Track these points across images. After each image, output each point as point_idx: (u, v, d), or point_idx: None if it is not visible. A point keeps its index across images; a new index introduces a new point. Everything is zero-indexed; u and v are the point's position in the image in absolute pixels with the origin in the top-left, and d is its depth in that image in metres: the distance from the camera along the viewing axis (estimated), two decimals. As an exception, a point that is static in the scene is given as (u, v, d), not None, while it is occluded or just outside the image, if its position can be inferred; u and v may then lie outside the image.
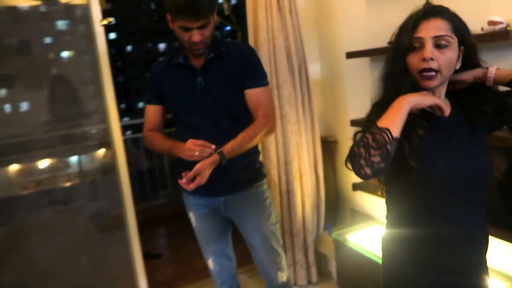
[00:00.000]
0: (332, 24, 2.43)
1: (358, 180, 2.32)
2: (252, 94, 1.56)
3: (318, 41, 2.57)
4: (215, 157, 1.45)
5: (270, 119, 1.57)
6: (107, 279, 2.44)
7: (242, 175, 1.61)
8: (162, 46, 36.45)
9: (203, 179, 1.42)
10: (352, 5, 2.27)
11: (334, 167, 2.68)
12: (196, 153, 1.43)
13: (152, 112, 1.65)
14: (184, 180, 1.42)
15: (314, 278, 2.53)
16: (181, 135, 1.58)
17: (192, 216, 1.70)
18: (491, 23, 1.47)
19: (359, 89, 2.35)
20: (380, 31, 2.10)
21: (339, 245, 2.26)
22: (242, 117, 1.60)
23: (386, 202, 1.15)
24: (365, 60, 2.25)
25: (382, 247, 1.16)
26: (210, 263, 1.73)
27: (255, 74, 1.56)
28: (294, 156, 2.40)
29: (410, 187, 1.02)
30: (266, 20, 2.28)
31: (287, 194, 2.46)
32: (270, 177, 2.40)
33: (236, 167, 1.56)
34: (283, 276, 1.70)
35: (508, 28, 1.49)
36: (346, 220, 2.65)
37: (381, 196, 2.14)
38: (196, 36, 1.41)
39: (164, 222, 4.02)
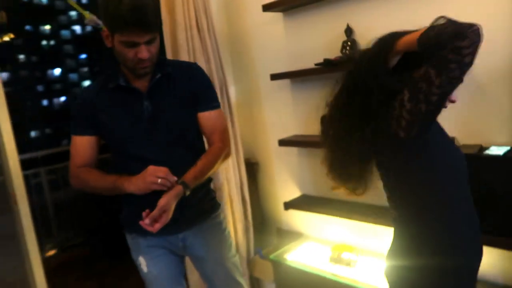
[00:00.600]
0: (249, 46, 2.47)
1: (289, 198, 2.35)
2: (207, 118, 1.45)
3: (233, 64, 2.58)
4: (179, 188, 1.29)
5: (226, 144, 1.49)
6: None
7: (200, 207, 1.47)
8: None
9: (169, 215, 1.25)
10: (270, 28, 2.34)
11: (258, 189, 2.67)
12: (159, 180, 1.25)
13: (84, 145, 1.39)
14: (147, 221, 1.23)
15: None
16: (125, 169, 1.35)
17: (142, 261, 1.47)
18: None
19: (280, 110, 2.42)
20: (299, 53, 2.24)
21: (278, 266, 2.23)
22: (197, 145, 1.48)
23: (415, 213, 1.10)
24: (285, 82, 2.33)
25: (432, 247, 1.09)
26: None
27: (208, 96, 1.46)
28: (224, 181, 2.32)
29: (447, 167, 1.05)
30: (186, 41, 2.19)
31: (219, 222, 2.35)
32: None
33: (193, 198, 1.40)
34: None
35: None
36: (273, 241, 2.65)
37: (315, 211, 2.21)
38: (144, 53, 1.25)
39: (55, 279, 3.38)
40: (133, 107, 1.36)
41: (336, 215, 2.10)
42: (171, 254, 1.49)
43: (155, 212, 1.24)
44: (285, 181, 2.48)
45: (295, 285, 2.15)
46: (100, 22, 2.47)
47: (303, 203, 2.29)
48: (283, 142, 2.25)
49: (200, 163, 1.38)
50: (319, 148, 2.20)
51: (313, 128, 2.26)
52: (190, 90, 1.41)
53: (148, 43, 1.26)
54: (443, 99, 0.94)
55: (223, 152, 1.46)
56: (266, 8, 2.15)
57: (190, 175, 1.34)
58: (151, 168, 1.27)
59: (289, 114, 2.37)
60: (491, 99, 1.60)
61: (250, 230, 2.50)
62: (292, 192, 2.43)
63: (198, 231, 1.48)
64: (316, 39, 2.14)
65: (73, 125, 1.41)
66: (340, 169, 1.22)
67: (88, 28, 29.46)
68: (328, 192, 2.28)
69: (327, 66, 1.94)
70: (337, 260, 2.05)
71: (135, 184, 1.28)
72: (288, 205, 2.29)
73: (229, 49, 2.54)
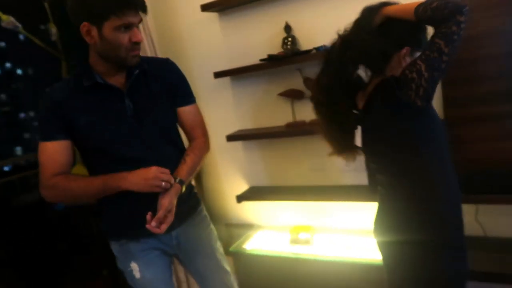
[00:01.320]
0: (185, 46, 2.48)
1: (238, 192, 2.42)
2: (188, 113, 1.46)
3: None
4: (178, 187, 1.30)
5: (207, 137, 1.52)
6: None
7: (187, 202, 1.47)
8: None
9: (173, 214, 1.25)
10: (206, 27, 2.39)
11: (203, 188, 2.69)
12: (163, 184, 1.23)
13: (57, 151, 1.28)
14: (153, 223, 1.21)
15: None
16: (109, 171, 1.29)
17: (135, 266, 1.40)
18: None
19: (221, 108, 2.48)
20: (237, 51, 2.34)
21: (238, 258, 2.29)
22: (178, 140, 1.48)
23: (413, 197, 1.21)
24: (226, 80, 2.40)
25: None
26: None
27: (186, 91, 1.47)
28: (176, 182, 2.30)
29: (439, 152, 1.19)
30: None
31: (174, 224, 2.31)
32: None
33: (184, 194, 1.39)
34: None
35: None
36: (223, 237, 2.69)
37: (269, 199, 2.33)
38: (139, 35, 1.23)
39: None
40: (113, 106, 1.30)
41: (290, 200, 2.26)
42: (163, 256, 1.46)
43: (161, 213, 1.22)
44: (232, 176, 2.56)
45: (257, 272, 2.24)
46: (18, 24, 2.26)
47: (255, 194, 2.39)
48: (231, 138, 2.32)
49: (190, 159, 1.39)
50: (266, 139, 2.38)
51: (256, 122, 2.39)
52: (168, 85, 1.41)
53: (137, 26, 1.24)
54: (448, 65, 1.10)
55: (207, 146, 1.49)
56: (205, 8, 2.20)
57: (183, 171, 1.35)
58: (154, 170, 1.24)
59: (231, 110, 2.45)
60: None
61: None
62: (240, 186, 2.52)
63: (189, 227, 1.48)
64: (255, 37, 2.27)
65: (42, 130, 1.29)
66: (331, 139, 1.35)
67: None
68: (275, 181, 2.44)
69: (272, 61, 2.08)
70: (295, 240, 2.21)
71: (131, 182, 1.23)
72: (241, 198, 2.37)
73: (165, 49, 2.51)
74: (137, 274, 1.41)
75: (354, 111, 1.32)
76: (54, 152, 1.28)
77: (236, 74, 2.27)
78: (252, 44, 2.28)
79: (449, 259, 1.24)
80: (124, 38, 1.21)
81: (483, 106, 1.70)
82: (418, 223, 1.23)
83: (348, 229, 2.23)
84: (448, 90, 1.75)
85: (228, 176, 2.58)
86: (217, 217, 2.73)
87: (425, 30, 1.22)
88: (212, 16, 2.35)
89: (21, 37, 2.92)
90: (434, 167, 1.20)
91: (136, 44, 1.25)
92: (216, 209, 2.71)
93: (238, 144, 2.46)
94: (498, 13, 1.62)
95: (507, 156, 1.70)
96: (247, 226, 2.55)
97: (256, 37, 2.26)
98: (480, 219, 1.83)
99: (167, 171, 1.27)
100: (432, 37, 1.10)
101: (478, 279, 1.65)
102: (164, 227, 1.24)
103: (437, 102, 1.80)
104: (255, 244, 2.32)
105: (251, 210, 2.54)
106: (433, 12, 1.06)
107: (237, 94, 2.42)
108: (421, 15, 1.09)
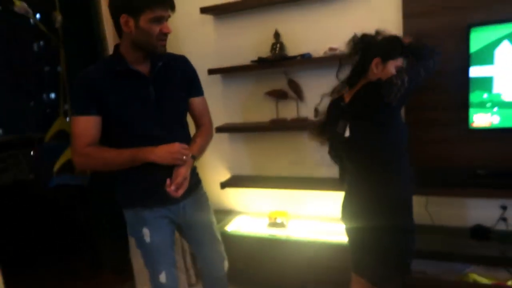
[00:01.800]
0: (179, 45, 2.70)
1: (224, 179, 2.67)
2: (198, 102, 1.71)
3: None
4: (192, 161, 1.56)
5: (212, 125, 1.78)
6: None
7: (193, 179, 1.69)
8: None
9: (187, 182, 1.51)
10: (201, 28, 2.62)
11: (188, 175, 2.91)
12: (184, 157, 1.48)
13: (90, 124, 1.48)
14: (173, 187, 1.46)
15: (193, 280, 2.68)
16: (130, 146, 1.51)
17: (146, 232, 1.61)
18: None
19: (210, 102, 2.71)
20: (228, 52, 2.59)
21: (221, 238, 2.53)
22: (187, 126, 1.71)
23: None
24: (216, 77, 2.64)
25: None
26: (162, 277, 1.66)
27: (198, 84, 1.72)
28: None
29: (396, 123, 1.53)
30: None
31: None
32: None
33: (190, 172, 1.63)
34: (226, 264, 1.87)
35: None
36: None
37: (251, 186, 2.59)
38: (169, 27, 1.47)
39: None
40: (139, 91, 1.52)
41: (269, 188, 2.53)
42: (170, 224, 1.68)
43: (180, 179, 1.48)
44: (217, 165, 2.79)
45: (237, 251, 2.46)
46: (30, 10, 2.41)
47: (237, 181, 2.65)
48: (219, 129, 2.55)
49: (199, 140, 1.65)
50: (251, 133, 2.64)
51: (242, 117, 2.65)
52: (185, 78, 1.65)
53: (167, 20, 1.48)
54: (419, 82, 1.50)
55: (212, 132, 1.76)
56: (204, 10, 2.44)
57: (195, 149, 1.60)
58: (177, 146, 1.49)
59: (220, 105, 2.69)
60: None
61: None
62: (224, 174, 2.76)
63: (193, 200, 1.71)
64: (246, 40, 2.53)
65: (76, 105, 1.48)
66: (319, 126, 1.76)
67: None
68: (256, 171, 2.70)
69: (261, 63, 2.35)
70: (272, 224, 2.48)
71: (157, 155, 1.47)
72: (224, 185, 2.61)
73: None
74: (147, 239, 1.62)
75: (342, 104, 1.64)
76: (87, 125, 1.48)
77: (228, 72, 2.52)
78: (243, 46, 2.54)
79: (408, 241, 1.56)
80: (156, 29, 1.43)
81: (434, 112, 2.07)
82: (384, 207, 1.53)
83: (319, 215, 2.54)
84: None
85: (213, 164, 2.81)
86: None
87: (397, 50, 1.55)
88: (208, 18, 2.59)
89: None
90: (398, 157, 1.53)
91: (165, 35, 1.48)
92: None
93: (224, 136, 2.70)
94: (449, 38, 1.98)
95: (454, 155, 2.07)
96: (229, 212, 2.80)
97: (248, 41, 2.52)
98: (429, 209, 2.17)
99: (186, 147, 1.52)
100: (417, 64, 1.51)
101: (425, 258, 1.99)
102: (180, 191, 1.48)
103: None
104: (236, 227, 2.58)
105: (233, 197, 2.79)
106: (423, 51, 1.53)
107: (226, 91, 2.67)
108: (411, 48, 1.53)
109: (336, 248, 2.20)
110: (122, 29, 1.45)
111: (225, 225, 2.60)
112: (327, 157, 1.80)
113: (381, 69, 1.51)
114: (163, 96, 1.56)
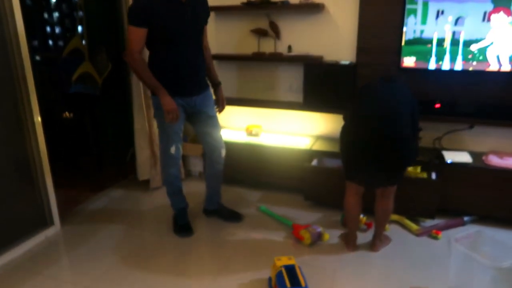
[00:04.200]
0: None
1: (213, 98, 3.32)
2: (205, 29, 2.36)
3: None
4: (220, 86, 2.52)
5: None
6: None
7: (204, 81, 2.37)
8: None
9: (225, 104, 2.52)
10: None
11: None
12: (174, 121, 2.21)
13: (143, 35, 2.08)
14: (221, 108, 2.55)
15: (183, 175, 3.40)
16: (166, 50, 2.14)
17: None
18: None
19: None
20: (225, 41, 3.17)
21: (207, 144, 3.23)
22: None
23: None
24: (211, 14, 3.20)
25: None
26: (173, 149, 2.36)
27: (208, 16, 2.35)
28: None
29: None
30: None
31: (163, 113, 3.16)
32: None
33: (202, 75, 2.34)
34: (224, 151, 2.56)
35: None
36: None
37: (235, 105, 3.27)
38: None
39: None
40: (178, 12, 2.12)
41: (248, 106, 3.23)
42: (184, 112, 2.33)
43: (223, 102, 2.47)
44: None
45: (219, 154, 3.20)
46: None
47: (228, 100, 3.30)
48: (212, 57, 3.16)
49: (212, 66, 2.45)
50: (237, 61, 3.28)
51: (231, 49, 3.27)
52: (205, 10, 2.29)
53: None
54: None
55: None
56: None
57: (216, 75, 2.42)
58: (176, 109, 2.16)
59: (213, 38, 3.28)
60: (344, 39, 2.94)
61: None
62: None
63: (202, 97, 2.37)
64: (241, 30, 3.13)
65: (134, 18, 2.05)
66: None
67: None
68: (239, 93, 3.38)
69: (249, 5, 2.96)
70: (249, 134, 3.21)
71: (164, 101, 2.13)
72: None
73: None
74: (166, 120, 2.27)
75: None
76: (139, 34, 2.07)
77: (221, 10, 3.11)
78: (236, 37, 3.15)
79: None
80: None
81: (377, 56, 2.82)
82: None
83: (285, 130, 3.30)
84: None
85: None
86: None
87: None
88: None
89: None
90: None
91: None
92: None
93: (215, 63, 3.29)
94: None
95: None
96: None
97: (240, 31, 3.13)
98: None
99: (178, 113, 2.19)
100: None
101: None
102: (222, 109, 2.41)
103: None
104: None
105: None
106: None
107: (219, 26, 3.26)
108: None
109: (296, 152, 2.98)
110: None
111: (211, 134, 3.29)
112: (294, 86, 2.47)
113: None
114: (193, 18, 2.18)
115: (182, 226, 2.56)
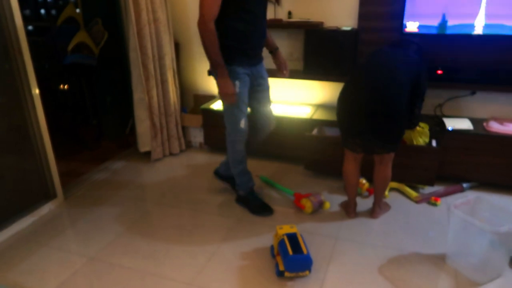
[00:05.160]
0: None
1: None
2: None
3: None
4: (279, 52, 2.48)
5: None
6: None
7: (260, 54, 2.32)
8: None
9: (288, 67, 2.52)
10: None
11: (180, 65, 3.48)
12: (230, 102, 2.17)
13: (218, 2, 1.98)
14: (285, 72, 2.50)
15: (183, 147, 3.40)
16: (238, 22, 2.08)
17: (237, 83, 2.18)
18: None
19: None
20: None
21: (206, 113, 3.21)
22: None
23: None
24: None
25: None
26: (242, 123, 2.27)
27: None
28: (167, 52, 3.06)
29: None
30: (146, 5, 2.82)
31: (162, 84, 3.12)
32: (147, 70, 2.97)
33: (262, 47, 2.30)
34: (274, 123, 2.51)
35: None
36: (190, 103, 3.58)
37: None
38: None
39: None
40: None
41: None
42: (249, 82, 2.26)
43: (286, 65, 2.46)
44: (203, 56, 3.37)
45: (220, 125, 3.18)
46: None
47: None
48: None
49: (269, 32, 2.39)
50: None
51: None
52: None
53: None
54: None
55: None
56: None
57: (273, 41, 2.43)
58: (234, 94, 2.13)
59: None
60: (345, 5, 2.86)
61: (178, 93, 3.35)
62: (207, 65, 3.35)
63: (261, 66, 2.33)
64: None
65: None
66: None
67: None
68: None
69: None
70: (249, 103, 3.17)
71: (220, 82, 2.09)
72: (210, 72, 3.21)
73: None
74: (237, 89, 2.19)
75: None
76: (215, 2, 1.98)
77: None
78: None
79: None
80: None
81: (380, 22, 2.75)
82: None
83: (285, 99, 3.27)
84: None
85: (200, 55, 3.39)
86: (188, 89, 3.58)
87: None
88: None
89: None
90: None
91: None
92: (188, 82, 3.55)
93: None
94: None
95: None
96: (211, 97, 3.45)
97: None
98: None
99: (236, 97, 2.16)
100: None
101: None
102: (286, 73, 2.47)
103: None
104: (218, 106, 3.25)
105: (213, 84, 3.42)
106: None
107: None
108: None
109: (296, 121, 2.97)
110: None
111: (209, 104, 3.27)
112: (294, 54, 2.41)
113: None
114: None
115: (261, 205, 2.48)
